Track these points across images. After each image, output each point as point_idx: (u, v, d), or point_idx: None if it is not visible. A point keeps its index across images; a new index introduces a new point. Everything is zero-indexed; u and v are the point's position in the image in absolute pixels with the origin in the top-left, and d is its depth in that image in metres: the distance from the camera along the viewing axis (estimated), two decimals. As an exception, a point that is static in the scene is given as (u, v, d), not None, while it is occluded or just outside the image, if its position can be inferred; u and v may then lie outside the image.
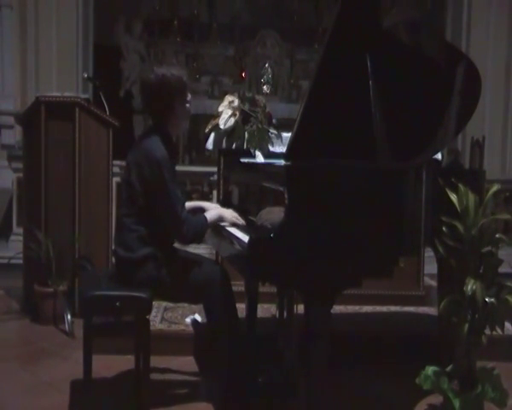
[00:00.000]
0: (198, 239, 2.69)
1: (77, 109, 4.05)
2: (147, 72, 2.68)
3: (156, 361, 2.87)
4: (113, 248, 2.82)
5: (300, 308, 2.53)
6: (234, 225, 2.68)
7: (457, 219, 2.50)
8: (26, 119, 4.32)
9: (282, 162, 2.74)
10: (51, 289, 3.96)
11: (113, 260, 2.81)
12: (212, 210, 2.79)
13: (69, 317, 3.86)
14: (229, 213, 2.73)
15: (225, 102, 3.36)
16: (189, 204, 2.84)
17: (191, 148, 8.51)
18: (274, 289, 3.03)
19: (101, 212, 4.15)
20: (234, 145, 3.36)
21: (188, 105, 2.73)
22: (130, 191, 2.66)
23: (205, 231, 2.68)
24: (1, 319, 4.07)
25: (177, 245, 2.84)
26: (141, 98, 2.76)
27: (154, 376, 2.91)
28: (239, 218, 2.71)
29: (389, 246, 2.30)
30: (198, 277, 2.67)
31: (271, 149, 3.26)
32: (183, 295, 2.78)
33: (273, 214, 2.44)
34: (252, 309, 3.13)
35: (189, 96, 2.73)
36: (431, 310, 3.94)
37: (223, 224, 2.71)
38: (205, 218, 2.69)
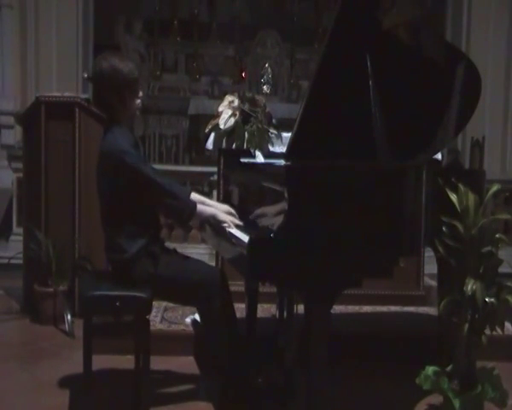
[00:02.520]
0: (181, 211, 2.60)
1: (77, 109, 4.05)
2: (99, 59, 2.65)
3: (156, 361, 2.87)
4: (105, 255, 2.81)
5: (300, 308, 2.53)
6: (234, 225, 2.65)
7: (457, 219, 2.50)
8: (26, 119, 4.31)
9: (282, 162, 2.75)
10: (51, 289, 3.95)
11: (109, 267, 2.81)
12: (208, 207, 2.75)
13: (69, 317, 3.86)
14: (226, 216, 2.66)
15: (225, 102, 3.36)
16: (197, 196, 2.78)
17: (191, 148, 8.51)
18: (274, 289, 3.04)
19: (101, 212, 4.15)
20: (234, 145, 3.36)
21: (138, 101, 2.72)
22: (104, 195, 2.68)
23: (189, 209, 2.60)
24: (1, 319, 4.07)
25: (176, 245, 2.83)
26: (92, 87, 2.73)
27: (154, 376, 2.91)
28: (234, 220, 2.64)
29: (389, 246, 2.30)
30: (195, 276, 2.66)
31: (271, 149, 3.26)
32: (181, 294, 2.78)
33: (269, 214, 2.44)
34: (252, 309, 3.13)
35: (141, 93, 2.73)
36: (431, 310, 3.94)
37: (224, 225, 2.68)
38: (195, 203, 2.63)
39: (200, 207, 2.65)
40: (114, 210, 2.67)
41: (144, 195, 2.63)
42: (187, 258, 2.80)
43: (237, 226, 2.61)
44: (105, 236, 2.76)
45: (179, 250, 2.86)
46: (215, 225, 2.71)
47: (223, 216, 2.66)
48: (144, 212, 2.67)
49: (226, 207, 2.74)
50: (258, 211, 2.66)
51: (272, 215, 2.46)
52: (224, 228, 2.63)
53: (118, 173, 2.59)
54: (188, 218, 2.63)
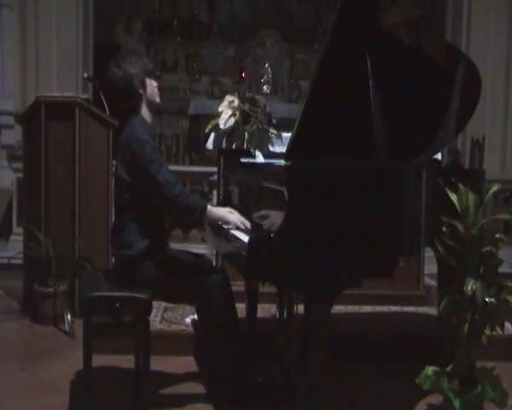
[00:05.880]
0: (192, 211, 2.59)
1: (77, 109, 4.05)
2: (112, 66, 2.71)
3: (156, 361, 2.87)
4: (110, 248, 2.83)
5: (300, 308, 2.53)
6: (238, 228, 2.60)
7: (457, 219, 2.50)
8: (26, 119, 4.32)
9: (282, 162, 2.75)
10: (51, 289, 3.95)
11: (113, 260, 2.82)
12: (218, 209, 2.75)
13: (69, 317, 3.85)
14: (235, 218, 2.63)
15: (225, 102, 3.37)
16: None
17: (191, 148, 8.51)
18: (274, 289, 3.03)
19: (101, 212, 4.15)
20: (234, 145, 3.36)
21: (156, 89, 2.78)
22: (119, 187, 2.69)
23: (200, 209, 2.59)
24: (1, 319, 4.07)
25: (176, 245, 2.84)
26: (110, 95, 2.83)
27: (154, 376, 2.91)
28: (245, 222, 2.61)
29: (389, 246, 2.30)
30: (197, 279, 2.66)
31: (271, 149, 3.27)
32: (182, 297, 2.79)
33: (271, 216, 2.44)
34: (252, 309, 3.13)
35: (156, 83, 2.78)
36: (431, 310, 3.94)
37: (226, 227, 2.67)
38: (206, 203, 2.65)
39: (210, 207, 2.66)
40: (126, 205, 2.67)
41: (156, 190, 2.59)
42: (190, 259, 2.80)
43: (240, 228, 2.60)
44: (113, 230, 2.76)
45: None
46: (217, 225, 2.70)
47: (232, 218, 2.64)
48: (152, 213, 2.67)
49: (237, 215, 2.68)
50: (261, 213, 2.66)
51: (275, 217, 2.46)
52: (224, 228, 2.63)
53: (135, 163, 2.60)
54: (199, 216, 2.60)
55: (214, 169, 3.97)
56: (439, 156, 3.21)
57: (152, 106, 2.78)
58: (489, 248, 2.51)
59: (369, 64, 2.52)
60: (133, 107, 2.72)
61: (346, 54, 2.49)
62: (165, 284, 2.64)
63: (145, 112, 2.76)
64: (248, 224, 2.62)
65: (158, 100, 2.80)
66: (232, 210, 2.72)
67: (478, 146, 6.49)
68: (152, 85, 2.76)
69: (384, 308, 3.99)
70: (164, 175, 2.57)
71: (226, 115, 3.33)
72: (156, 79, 2.81)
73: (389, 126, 2.52)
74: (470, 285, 2.42)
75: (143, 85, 2.71)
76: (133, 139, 2.62)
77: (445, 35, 7.30)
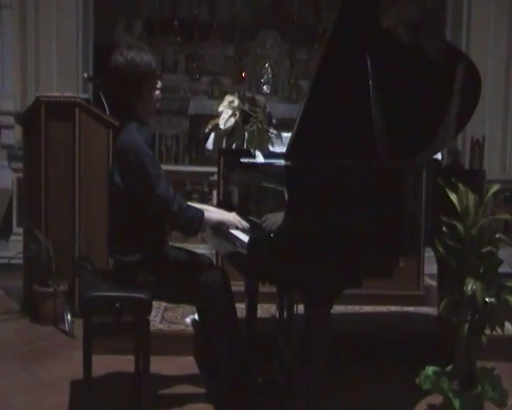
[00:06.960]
0: (189, 224, 2.58)
1: (77, 109, 4.05)
2: (116, 54, 2.59)
3: (156, 361, 2.87)
4: (108, 252, 2.81)
5: (300, 308, 2.53)
6: (236, 227, 2.62)
7: (457, 219, 2.50)
8: (26, 119, 4.32)
9: (282, 162, 2.75)
10: (51, 289, 3.95)
11: (112, 261, 2.81)
12: (214, 213, 2.74)
13: (69, 317, 3.85)
14: (232, 217, 2.65)
15: (225, 102, 3.36)
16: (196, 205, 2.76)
17: (191, 148, 8.51)
18: (274, 289, 3.03)
19: (101, 212, 4.14)
20: (234, 145, 3.36)
21: (157, 92, 2.67)
22: (115, 192, 2.65)
23: (197, 220, 2.58)
24: (1, 319, 4.07)
25: (176, 245, 2.84)
26: (109, 81, 2.65)
27: (154, 376, 2.91)
28: (241, 221, 2.63)
29: (389, 246, 2.30)
30: (197, 279, 2.66)
31: (271, 149, 3.26)
32: (182, 297, 2.79)
33: (271, 216, 2.44)
34: (252, 309, 3.13)
35: (160, 84, 2.67)
36: (431, 310, 3.94)
37: (226, 227, 2.67)
38: (202, 212, 2.61)
39: (206, 214, 2.63)
40: (122, 210, 2.64)
41: (154, 203, 2.56)
42: (189, 258, 2.80)
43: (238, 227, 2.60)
44: (110, 233, 2.76)
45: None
46: (219, 228, 2.69)
47: (229, 218, 2.64)
48: (150, 216, 2.63)
49: (233, 215, 2.69)
50: (261, 213, 2.65)
51: (275, 217, 2.46)
52: (224, 229, 2.63)
53: (132, 173, 2.55)
54: (197, 228, 2.60)
55: (214, 169, 3.97)
56: (439, 156, 3.21)
57: (149, 108, 2.69)
58: (489, 248, 2.50)
59: (369, 64, 2.52)
60: (132, 102, 2.61)
61: (346, 53, 2.48)
62: (165, 284, 2.64)
63: (143, 113, 2.66)
64: (245, 222, 2.63)
65: (157, 104, 2.70)
66: (225, 212, 2.72)
67: (478, 146, 6.49)
68: (155, 92, 2.66)
69: (384, 308, 3.99)
70: (162, 189, 2.52)
71: (226, 115, 3.33)
72: (159, 79, 2.69)
73: (389, 126, 2.52)
74: (470, 285, 2.42)
75: (148, 81, 2.59)
76: (130, 149, 2.53)
77: (445, 35, 7.30)
